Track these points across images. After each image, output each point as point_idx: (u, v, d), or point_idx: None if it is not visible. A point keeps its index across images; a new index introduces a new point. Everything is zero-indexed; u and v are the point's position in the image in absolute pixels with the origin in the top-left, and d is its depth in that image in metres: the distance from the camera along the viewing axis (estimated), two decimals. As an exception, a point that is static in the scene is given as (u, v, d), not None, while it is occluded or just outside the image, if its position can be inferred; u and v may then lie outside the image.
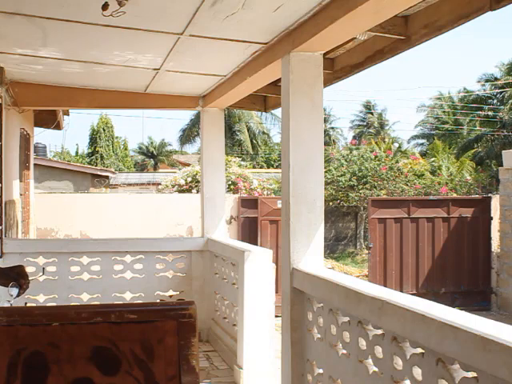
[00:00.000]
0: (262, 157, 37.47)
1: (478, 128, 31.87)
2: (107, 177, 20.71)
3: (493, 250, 10.25)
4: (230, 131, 35.21)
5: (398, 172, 16.82)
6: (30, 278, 2.69)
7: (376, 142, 23.39)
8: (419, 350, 2.48)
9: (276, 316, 4.95)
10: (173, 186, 14.37)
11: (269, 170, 26.70)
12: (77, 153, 40.62)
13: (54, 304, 5.72)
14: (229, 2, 3.23)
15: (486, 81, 31.19)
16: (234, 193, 13.06)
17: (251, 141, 37.09)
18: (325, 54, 3.83)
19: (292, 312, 3.75)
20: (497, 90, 30.00)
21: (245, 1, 3.20)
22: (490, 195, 11.36)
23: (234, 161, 16.05)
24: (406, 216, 9.98)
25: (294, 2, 3.23)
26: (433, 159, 22.35)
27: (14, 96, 5.82)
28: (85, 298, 5.97)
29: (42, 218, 10.24)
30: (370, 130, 41.05)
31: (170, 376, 1.48)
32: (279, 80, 4.25)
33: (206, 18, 3.54)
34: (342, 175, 16.51)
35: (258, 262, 5.00)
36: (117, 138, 40.37)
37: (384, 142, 26.49)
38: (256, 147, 37.62)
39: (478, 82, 32.24)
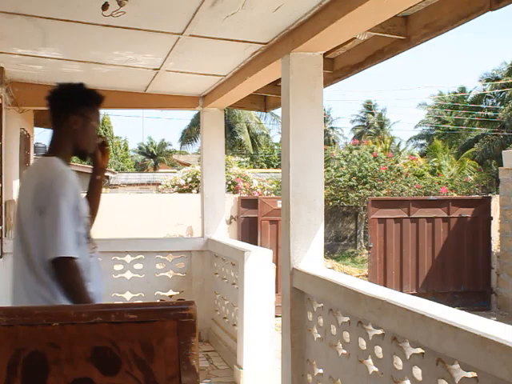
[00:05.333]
0: (262, 157, 37.43)
1: (477, 128, 31.85)
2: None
3: (493, 250, 10.25)
4: (230, 131, 35.16)
5: (398, 172, 16.82)
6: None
7: (375, 142, 23.39)
8: (419, 350, 2.48)
9: (276, 316, 4.95)
10: (173, 186, 14.37)
11: (269, 170, 26.67)
12: (77, 153, 40.53)
13: (54, 304, 5.71)
14: (229, 1, 3.23)
15: (487, 80, 31.18)
16: (234, 193, 13.06)
17: (251, 141, 37.04)
18: (325, 54, 3.83)
19: (292, 312, 3.75)
20: (497, 90, 29.99)
21: (245, 1, 3.20)
22: (490, 195, 11.36)
23: (234, 161, 16.04)
24: (406, 216, 9.97)
25: (294, 2, 3.23)
26: (434, 159, 22.35)
27: (14, 96, 5.81)
28: (85, 298, 5.96)
29: (42, 217, 10.20)
30: (370, 130, 41.02)
31: (169, 376, 1.48)
32: (279, 80, 4.25)
33: (206, 18, 3.54)
34: (341, 175, 16.52)
35: (258, 262, 4.99)
36: (117, 137, 40.36)
37: (383, 141, 26.49)
38: (256, 147, 37.57)
39: (480, 81, 32.26)
